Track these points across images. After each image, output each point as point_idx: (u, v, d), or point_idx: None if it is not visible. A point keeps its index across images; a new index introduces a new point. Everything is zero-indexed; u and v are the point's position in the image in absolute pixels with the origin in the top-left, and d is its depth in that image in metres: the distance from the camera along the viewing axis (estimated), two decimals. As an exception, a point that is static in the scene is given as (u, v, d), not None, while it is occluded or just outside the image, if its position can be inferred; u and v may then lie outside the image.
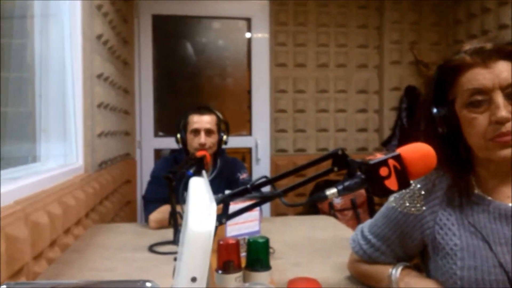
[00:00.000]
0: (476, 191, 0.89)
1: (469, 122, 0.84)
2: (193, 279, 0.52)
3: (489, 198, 0.87)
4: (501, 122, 0.80)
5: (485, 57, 0.83)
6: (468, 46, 0.86)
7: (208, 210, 0.53)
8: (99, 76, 2.17)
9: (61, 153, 1.90)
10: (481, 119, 0.82)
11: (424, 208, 0.93)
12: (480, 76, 0.83)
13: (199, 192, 0.61)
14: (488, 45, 0.83)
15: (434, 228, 0.91)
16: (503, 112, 0.79)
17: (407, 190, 0.95)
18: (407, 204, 0.95)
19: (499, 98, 0.80)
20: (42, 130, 1.82)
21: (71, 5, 1.92)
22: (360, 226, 1.10)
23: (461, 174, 0.90)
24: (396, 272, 0.94)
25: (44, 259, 1.32)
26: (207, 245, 0.50)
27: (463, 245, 0.86)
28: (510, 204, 0.84)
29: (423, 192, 0.94)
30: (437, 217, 0.91)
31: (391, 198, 0.99)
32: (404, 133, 3.22)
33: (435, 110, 0.89)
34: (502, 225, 0.83)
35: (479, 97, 0.83)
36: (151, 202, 1.83)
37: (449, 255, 0.87)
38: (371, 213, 3.14)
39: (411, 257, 1.02)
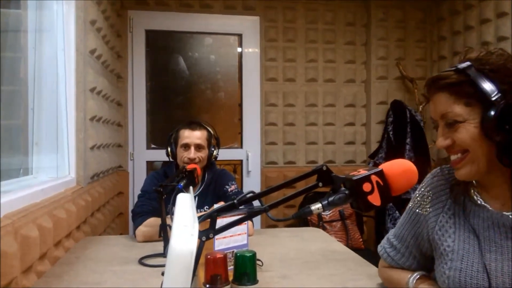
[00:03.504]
0: (474, 198, 0.94)
1: None
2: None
3: (485, 205, 0.92)
4: (440, 149, 0.90)
5: (428, 89, 0.93)
6: (434, 74, 0.95)
7: (191, 230, 0.56)
8: (92, 89, 2.20)
9: (53, 166, 1.91)
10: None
11: (430, 209, 1.00)
12: (430, 107, 0.94)
13: (184, 211, 0.64)
14: (431, 77, 0.92)
15: (435, 229, 0.98)
16: (438, 141, 0.90)
17: (420, 191, 1.03)
18: (419, 205, 1.03)
19: (440, 127, 0.91)
20: (34, 143, 1.83)
21: (64, 20, 1.96)
22: (388, 234, 1.16)
23: (461, 182, 0.96)
24: (413, 279, 1.00)
25: (34, 273, 1.32)
26: (189, 264, 0.52)
27: (455, 247, 0.92)
28: (504, 213, 0.89)
29: (431, 194, 1.01)
30: (438, 218, 0.97)
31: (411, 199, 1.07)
32: (390, 145, 3.29)
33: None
34: (495, 233, 0.89)
35: (435, 124, 0.94)
36: (139, 215, 1.83)
37: (443, 255, 0.94)
38: (359, 225, 3.18)
39: (428, 259, 1.05)
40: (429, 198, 1.00)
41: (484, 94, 0.82)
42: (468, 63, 0.86)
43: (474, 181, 0.96)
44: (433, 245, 0.99)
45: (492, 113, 0.81)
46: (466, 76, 0.85)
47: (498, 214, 0.89)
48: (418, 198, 1.03)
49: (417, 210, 1.03)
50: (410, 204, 1.06)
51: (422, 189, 1.02)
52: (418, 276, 1.01)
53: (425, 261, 1.05)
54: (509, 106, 0.80)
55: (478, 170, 0.87)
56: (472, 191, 0.95)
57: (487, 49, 0.90)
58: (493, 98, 0.81)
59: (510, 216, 0.88)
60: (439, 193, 0.99)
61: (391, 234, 1.12)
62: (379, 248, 1.14)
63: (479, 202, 0.93)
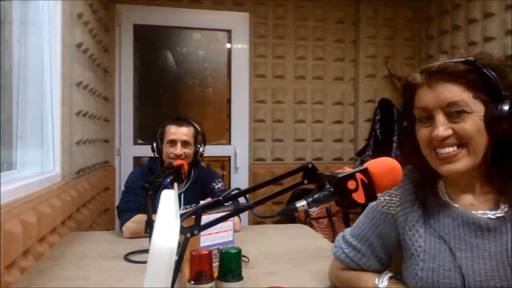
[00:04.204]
0: (443, 197, 0.94)
1: (418, 134, 0.93)
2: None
3: (454, 204, 0.92)
4: (438, 139, 0.86)
5: (429, 78, 0.89)
6: (432, 63, 0.92)
7: (172, 227, 0.56)
8: (79, 84, 2.17)
9: (38, 161, 1.89)
10: (425, 131, 0.90)
11: (398, 208, 0.98)
12: (424, 96, 0.90)
13: (166, 207, 0.64)
14: (435, 66, 0.89)
15: (405, 229, 0.96)
16: (439, 131, 0.86)
17: (386, 191, 0.99)
18: (385, 204, 1.01)
19: (439, 117, 0.87)
20: (19, 137, 1.81)
21: (51, 13, 1.93)
22: (341, 233, 1.13)
23: (428, 181, 0.96)
24: (382, 281, 0.97)
25: (17, 269, 1.31)
26: (170, 261, 0.52)
27: (426, 247, 0.91)
28: (473, 212, 0.89)
29: (399, 193, 0.99)
30: (407, 218, 0.96)
31: None
32: (377, 143, 3.32)
33: (402, 124, 0.98)
34: (465, 232, 0.88)
35: (424, 114, 0.90)
36: (125, 211, 1.81)
37: (414, 256, 0.93)
38: (346, 221, 3.21)
39: (391, 258, 1.05)
40: (398, 197, 0.99)
41: (494, 88, 0.84)
42: (473, 58, 0.86)
43: (442, 180, 0.96)
44: (403, 246, 0.98)
45: (506, 107, 0.83)
46: (476, 68, 0.85)
47: (467, 213, 0.89)
48: (386, 197, 1.01)
49: (384, 209, 1.01)
50: (373, 204, 1.03)
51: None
52: (388, 278, 0.98)
53: (388, 261, 1.04)
54: None
55: (474, 163, 0.86)
56: (439, 190, 0.95)
57: (471, 51, 0.91)
58: (504, 93, 0.83)
59: (479, 215, 0.88)
60: (407, 192, 0.98)
61: (347, 234, 1.08)
62: (334, 249, 1.10)
63: (447, 201, 0.93)
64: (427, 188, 0.96)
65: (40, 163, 1.89)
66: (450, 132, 0.86)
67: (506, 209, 0.87)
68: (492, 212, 0.88)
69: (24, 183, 1.54)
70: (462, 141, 0.86)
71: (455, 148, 0.86)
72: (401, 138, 1.00)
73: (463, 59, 0.87)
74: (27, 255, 1.41)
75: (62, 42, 1.96)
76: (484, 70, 0.85)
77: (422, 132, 0.91)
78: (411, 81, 0.93)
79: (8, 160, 1.73)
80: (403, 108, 0.98)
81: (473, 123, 0.85)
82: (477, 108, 0.85)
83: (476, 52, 0.89)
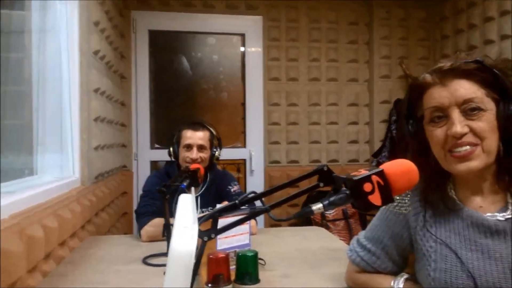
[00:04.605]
0: (452, 198, 0.94)
1: (431, 135, 0.91)
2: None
3: (463, 206, 0.92)
4: (456, 136, 0.85)
5: (442, 76, 0.89)
6: (442, 63, 0.92)
7: (191, 232, 0.57)
8: (96, 90, 2.21)
9: (58, 166, 1.92)
10: (440, 131, 0.89)
11: (410, 208, 0.98)
12: (438, 95, 0.89)
13: (185, 212, 0.65)
14: (446, 65, 0.89)
15: (416, 229, 0.96)
16: (457, 128, 0.85)
17: None
18: (397, 204, 1.01)
19: (455, 114, 0.86)
20: (39, 143, 1.85)
21: (68, 21, 1.97)
22: (356, 236, 1.13)
23: (437, 183, 0.95)
24: (398, 283, 0.97)
25: (39, 272, 1.34)
26: (189, 265, 0.53)
27: (437, 247, 0.91)
28: (482, 214, 0.89)
29: (409, 194, 0.99)
30: (419, 218, 0.96)
31: None
32: (393, 144, 3.29)
33: (406, 126, 0.96)
34: (474, 233, 0.88)
35: (438, 114, 0.89)
36: (143, 215, 1.84)
37: (425, 256, 0.93)
38: (363, 223, 3.18)
39: (406, 260, 1.04)
40: (408, 196, 0.99)
41: (503, 86, 0.85)
42: (480, 58, 0.87)
43: (451, 182, 0.95)
44: (414, 246, 0.98)
45: None
46: (485, 67, 0.86)
47: (476, 214, 0.89)
48: (397, 197, 1.00)
49: (395, 210, 1.01)
50: (384, 206, 1.04)
51: None
52: (404, 279, 0.98)
53: (402, 263, 1.04)
54: None
55: (487, 162, 0.86)
56: (449, 190, 0.95)
57: (471, 55, 0.92)
58: None
59: (488, 217, 0.88)
60: (417, 192, 0.98)
61: (361, 237, 1.09)
62: (349, 252, 1.10)
63: (457, 203, 0.93)
64: (436, 190, 0.95)
65: (60, 168, 1.93)
66: (467, 129, 0.85)
67: None
68: (501, 214, 0.88)
69: (45, 189, 1.57)
70: (477, 140, 0.85)
71: (467, 147, 0.86)
72: (409, 142, 0.98)
73: (473, 60, 0.88)
74: (49, 259, 1.44)
75: (79, 49, 2.00)
76: (494, 70, 0.86)
77: (437, 133, 0.89)
78: (421, 81, 0.93)
79: (29, 166, 1.77)
80: (408, 110, 0.97)
81: (488, 121, 0.85)
82: (490, 106, 0.86)
83: (477, 56, 0.90)
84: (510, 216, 0.86)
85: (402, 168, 0.76)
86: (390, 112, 3.40)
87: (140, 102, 3.26)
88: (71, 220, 1.66)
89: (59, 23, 1.94)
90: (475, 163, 0.86)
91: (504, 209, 0.88)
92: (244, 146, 3.43)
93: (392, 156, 3.23)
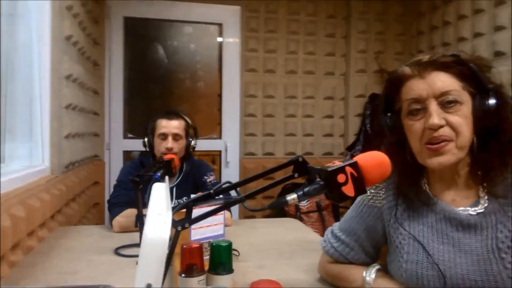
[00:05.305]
0: (426, 192, 0.96)
1: (409, 129, 0.92)
2: (149, 286, 0.54)
3: (437, 199, 0.94)
4: (433, 128, 0.87)
5: (421, 69, 0.90)
6: (421, 56, 0.93)
7: (164, 219, 0.56)
8: (68, 77, 2.15)
9: (27, 155, 1.87)
10: (418, 125, 0.90)
11: (384, 201, 1.00)
12: (416, 87, 0.90)
13: (158, 200, 0.64)
14: (425, 57, 0.91)
15: (390, 222, 0.98)
16: (435, 119, 0.86)
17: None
18: (372, 197, 1.02)
19: (433, 106, 0.88)
20: (6, 131, 1.79)
21: (39, 5, 1.90)
22: (330, 227, 1.14)
23: (411, 176, 0.97)
24: (370, 274, 0.99)
25: (6, 263, 1.30)
26: (162, 253, 0.52)
27: (410, 241, 0.93)
28: (454, 208, 0.91)
29: (384, 187, 1.01)
30: (392, 211, 0.98)
31: None
32: (367, 138, 3.34)
33: (384, 119, 0.97)
34: (447, 226, 0.91)
35: (416, 106, 0.90)
36: (115, 205, 1.81)
37: (398, 248, 0.95)
38: (336, 216, 3.23)
39: (378, 251, 1.06)
40: (383, 190, 1.01)
41: (479, 80, 0.87)
42: (457, 53, 0.89)
43: (425, 176, 0.97)
44: (388, 238, 1.00)
45: (493, 101, 0.85)
46: (462, 61, 0.88)
47: (449, 208, 0.91)
48: (372, 190, 1.02)
49: (370, 203, 1.02)
50: (360, 197, 1.04)
51: None
52: (375, 270, 0.99)
53: (375, 254, 1.05)
54: (501, 95, 0.86)
55: (459, 157, 0.88)
56: (423, 184, 0.97)
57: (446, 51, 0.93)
58: (489, 86, 0.86)
59: (460, 211, 0.90)
60: (392, 186, 0.99)
61: (336, 228, 1.10)
62: (323, 243, 1.12)
63: (430, 195, 0.95)
64: (410, 184, 0.97)
65: (29, 157, 1.88)
66: (444, 122, 0.86)
67: (486, 205, 0.89)
68: (473, 209, 0.90)
69: (12, 177, 1.52)
70: (452, 134, 0.86)
71: (445, 142, 0.87)
72: (385, 135, 0.99)
73: (450, 54, 0.90)
74: (16, 250, 1.40)
75: (51, 34, 1.93)
76: (470, 64, 0.88)
77: (415, 126, 0.90)
78: (399, 73, 0.94)
79: (-5, 154, 1.72)
80: (385, 103, 0.98)
81: (464, 114, 0.86)
82: (466, 99, 0.87)
83: (453, 51, 0.92)
84: (481, 211, 0.89)
85: (375, 160, 0.78)
86: (365, 106, 3.45)
87: (113, 90, 3.19)
88: (40, 209, 1.62)
89: (30, 7, 1.87)
90: (446, 158, 0.87)
91: (476, 203, 0.90)
92: (219, 137, 3.42)
93: (365, 150, 3.26)
